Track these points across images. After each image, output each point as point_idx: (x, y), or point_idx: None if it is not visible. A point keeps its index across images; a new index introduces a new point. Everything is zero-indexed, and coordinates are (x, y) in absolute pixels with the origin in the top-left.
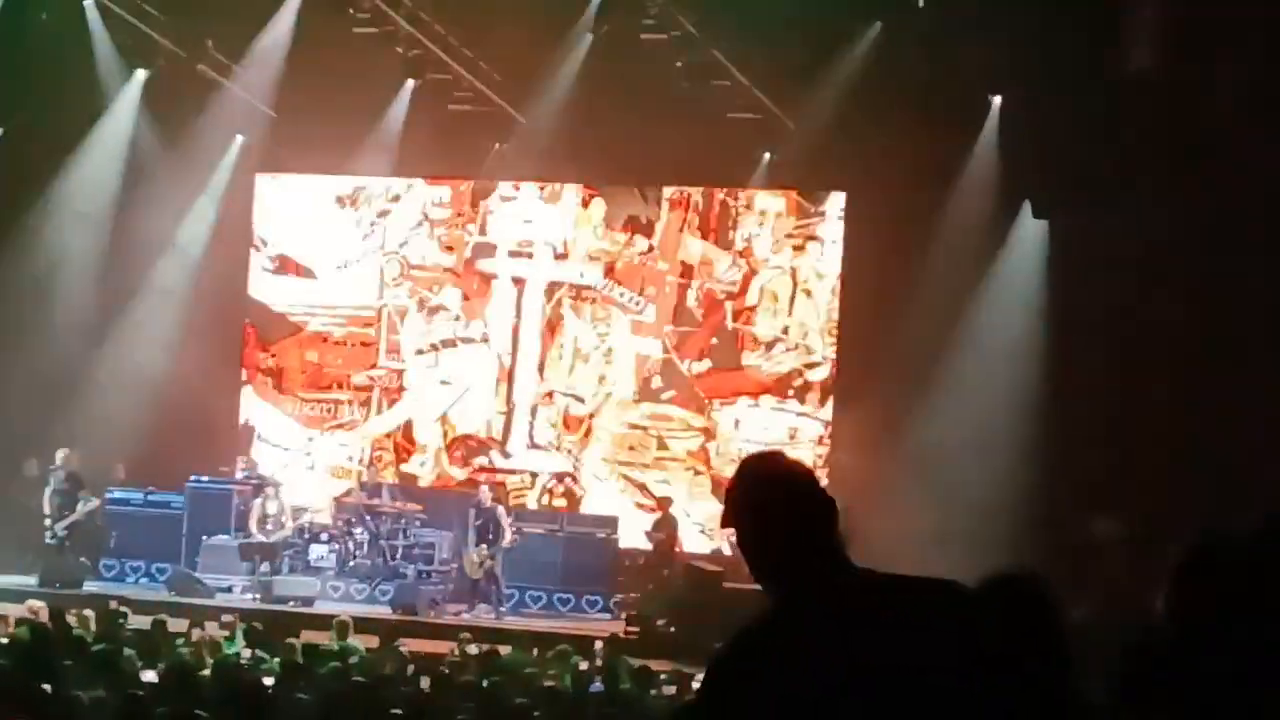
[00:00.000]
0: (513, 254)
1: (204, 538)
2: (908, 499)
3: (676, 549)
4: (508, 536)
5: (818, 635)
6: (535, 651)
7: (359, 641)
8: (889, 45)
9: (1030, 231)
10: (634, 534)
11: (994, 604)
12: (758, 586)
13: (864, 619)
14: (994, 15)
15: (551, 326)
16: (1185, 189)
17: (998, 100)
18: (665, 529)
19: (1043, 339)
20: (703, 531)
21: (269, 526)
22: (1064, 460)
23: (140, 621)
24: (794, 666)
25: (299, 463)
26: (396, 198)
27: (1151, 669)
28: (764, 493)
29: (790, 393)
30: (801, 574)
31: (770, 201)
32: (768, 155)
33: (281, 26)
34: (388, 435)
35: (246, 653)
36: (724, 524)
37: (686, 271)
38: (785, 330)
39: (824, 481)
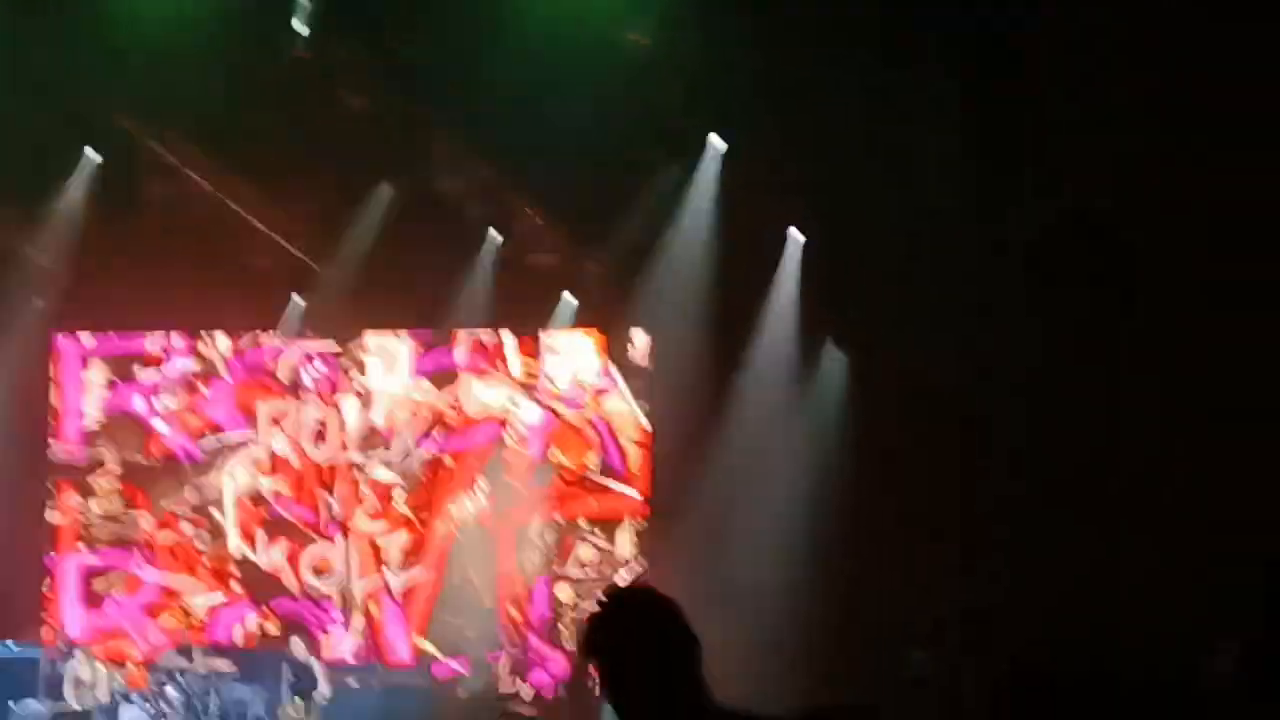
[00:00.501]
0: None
1: (11, 704)
2: (719, 642)
3: (497, 694)
4: (323, 690)
5: None
6: None
7: None
8: (683, 185)
9: (833, 366)
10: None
11: None
12: None
13: None
14: (793, 154)
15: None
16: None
17: (797, 236)
18: (484, 675)
19: (848, 473)
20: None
21: (83, 690)
22: (876, 595)
23: None
24: None
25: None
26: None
27: None
28: (627, 627)
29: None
30: (659, 712)
31: (573, 342)
32: (567, 295)
33: (75, 184)
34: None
35: None
36: (581, 652)
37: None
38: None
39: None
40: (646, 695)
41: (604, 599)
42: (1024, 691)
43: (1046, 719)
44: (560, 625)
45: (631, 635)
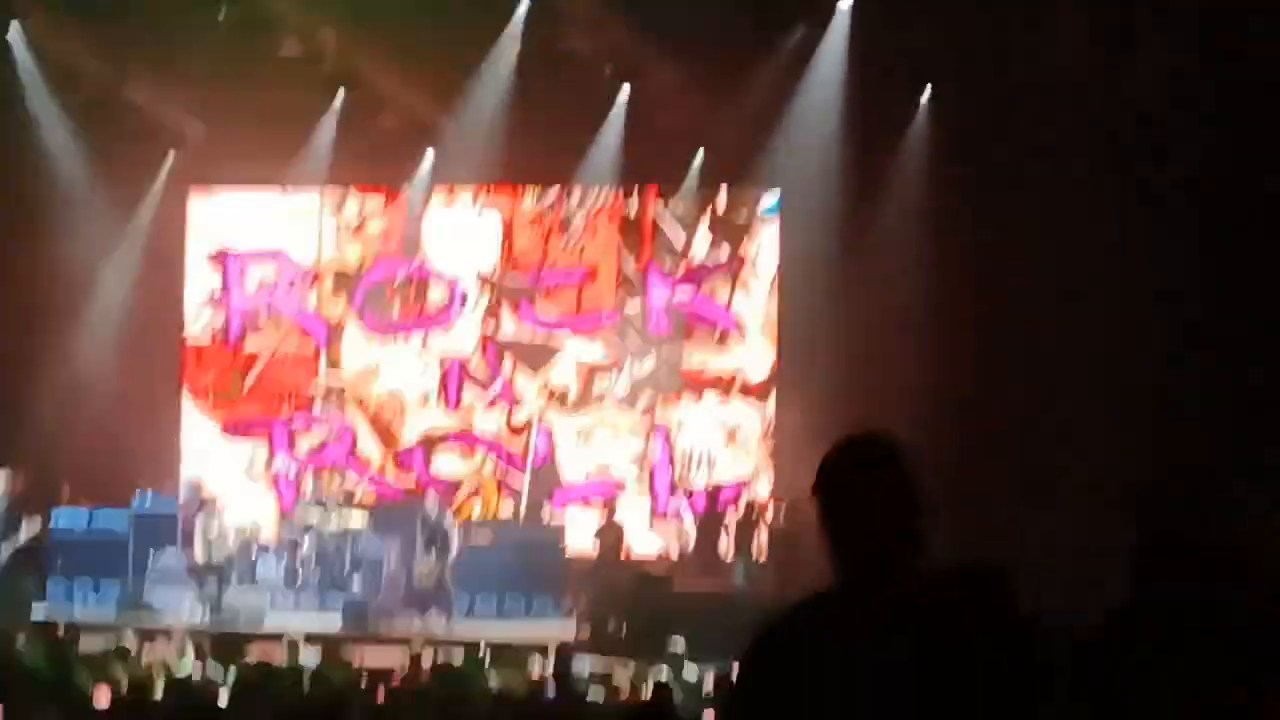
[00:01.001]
0: (450, 260)
1: (150, 557)
2: None
3: (624, 552)
4: (455, 545)
5: (838, 629)
6: (489, 658)
7: (310, 656)
8: (814, 44)
9: (962, 223)
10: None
11: (965, 592)
12: (706, 588)
13: (886, 621)
14: (919, 12)
15: (492, 332)
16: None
17: (926, 95)
18: (612, 532)
19: (980, 330)
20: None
21: (214, 544)
22: (1006, 453)
23: (89, 644)
24: (810, 655)
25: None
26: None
27: (1112, 661)
28: (852, 476)
29: (732, 391)
30: (859, 565)
31: (705, 200)
32: (700, 155)
33: (210, 45)
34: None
35: (198, 672)
36: (814, 489)
37: (620, 277)
38: (724, 332)
39: (769, 477)
40: (844, 541)
41: (848, 440)
42: (1171, 558)
43: (1191, 588)
44: (686, 485)
45: (849, 483)
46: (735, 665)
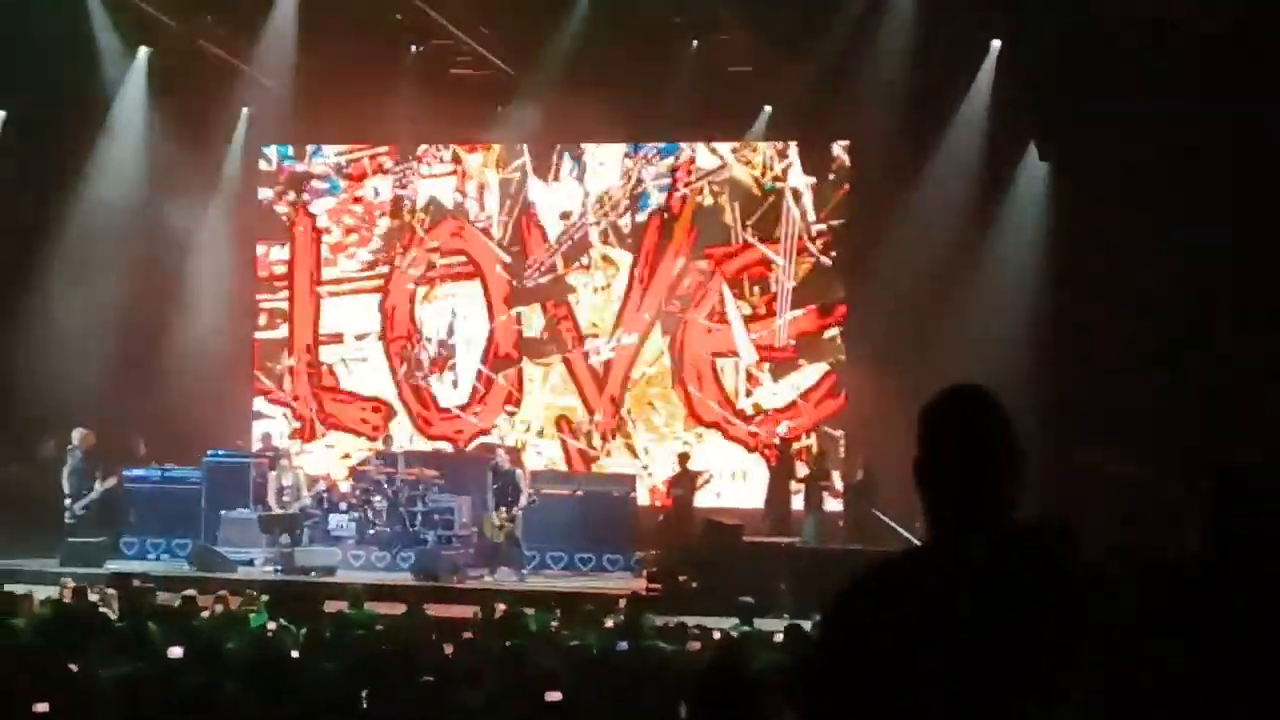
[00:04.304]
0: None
1: (223, 512)
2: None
3: (695, 504)
4: (525, 498)
5: (917, 585)
6: (559, 612)
7: (381, 609)
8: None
9: (1033, 172)
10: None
11: (1045, 548)
12: (778, 539)
13: (965, 577)
14: None
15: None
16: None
17: (996, 44)
18: (684, 485)
19: (1046, 273)
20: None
21: (286, 498)
22: (1070, 394)
23: (163, 598)
24: (887, 612)
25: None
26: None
27: (1187, 601)
28: (944, 428)
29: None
30: (946, 519)
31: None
32: (768, 108)
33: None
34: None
35: (271, 624)
36: (918, 442)
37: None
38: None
39: (842, 434)
40: (932, 494)
41: (951, 390)
42: (1239, 493)
43: (1258, 525)
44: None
45: (940, 435)
46: (818, 618)
